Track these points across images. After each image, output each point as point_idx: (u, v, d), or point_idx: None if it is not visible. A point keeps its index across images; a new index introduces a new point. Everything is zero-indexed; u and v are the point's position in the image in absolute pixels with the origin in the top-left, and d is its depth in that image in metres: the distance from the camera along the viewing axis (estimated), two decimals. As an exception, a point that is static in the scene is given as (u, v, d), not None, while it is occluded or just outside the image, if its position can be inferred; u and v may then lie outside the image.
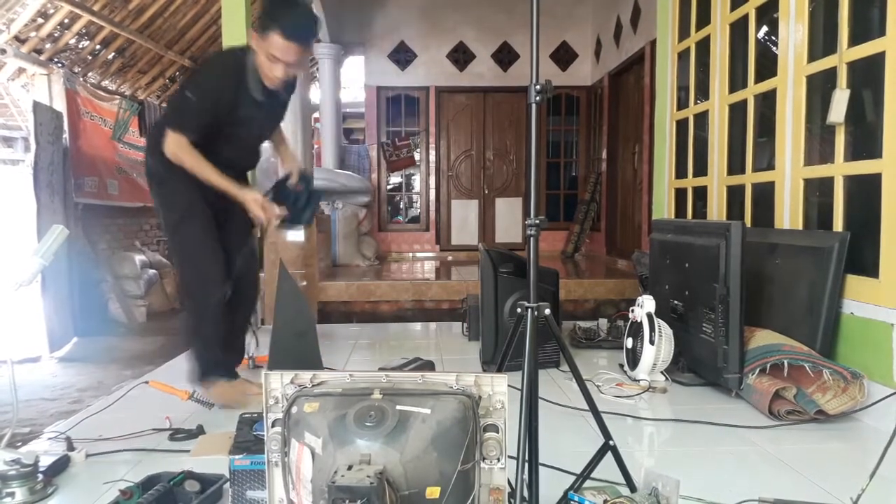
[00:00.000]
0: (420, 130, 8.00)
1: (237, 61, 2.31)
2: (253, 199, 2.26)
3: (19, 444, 2.17)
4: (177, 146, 2.22)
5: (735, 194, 3.30)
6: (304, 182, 2.50)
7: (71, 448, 1.92)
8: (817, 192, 2.73)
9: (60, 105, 5.80)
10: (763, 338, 2.49)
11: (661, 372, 2.73)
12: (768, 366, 2.35)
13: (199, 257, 2.35)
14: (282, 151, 2.68)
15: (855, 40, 2.39)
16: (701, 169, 3.60)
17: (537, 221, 1.44)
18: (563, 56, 7.77)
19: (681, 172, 3.84)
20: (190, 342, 2.44)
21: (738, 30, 3.24)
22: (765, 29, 3.21)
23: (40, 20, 5.59)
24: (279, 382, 1.24)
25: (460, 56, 7.81)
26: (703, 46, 3.53)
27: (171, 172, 2.29)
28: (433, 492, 1.12)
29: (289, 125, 4.57)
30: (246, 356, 3.14)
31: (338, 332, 4.13)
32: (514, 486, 1.33)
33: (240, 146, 2.45)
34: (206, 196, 2.34)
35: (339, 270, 5.75)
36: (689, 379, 2.72)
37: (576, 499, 1.47)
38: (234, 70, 2.29)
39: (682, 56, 3.80)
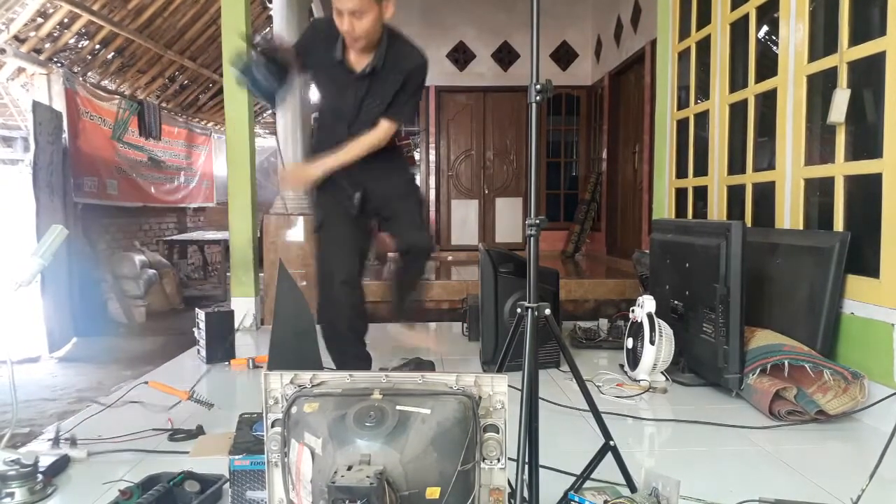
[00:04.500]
0: (420, 130, 7.99)
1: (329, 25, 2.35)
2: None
3: (19, 444, 2.16)
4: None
5: (735, 194, 3.29)
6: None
7: (74, 446, 1.91)
8: (818, 192, 2.72)
9: (60, 105, 5.79)
10: (763, 338, 2.49)
11: (662, 372, 2.73)
12: (769, 366, 2.34)
13: (322, 262, 2.63)
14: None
15: (855, 40, 2.39)
16: (701, 169, 3.59)
17: (537, 221, 1.44)
18: (564, 56, 7.76)
19: (681, 172, 3.84)
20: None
21: (739, 29, 3.24)
22: (765, 28, 3.20)
23: (40, 20, 5.58)
24: (279, 382, 1.24)
25: (460, 56, 7.80)
26: (704, 46, 3.53)
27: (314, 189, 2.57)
28: (433, 492, 1.12)
29: (289, 125, 4.58)
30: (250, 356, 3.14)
31: (338, 332, 4.11)
32: (514, 486, 1.33)
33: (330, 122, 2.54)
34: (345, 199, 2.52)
35: (338, 270, 5.74)
36: (689, 379, 2.72)
37: (576, 499, 1.47)
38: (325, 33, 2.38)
39: (683, 56, 3.80)
